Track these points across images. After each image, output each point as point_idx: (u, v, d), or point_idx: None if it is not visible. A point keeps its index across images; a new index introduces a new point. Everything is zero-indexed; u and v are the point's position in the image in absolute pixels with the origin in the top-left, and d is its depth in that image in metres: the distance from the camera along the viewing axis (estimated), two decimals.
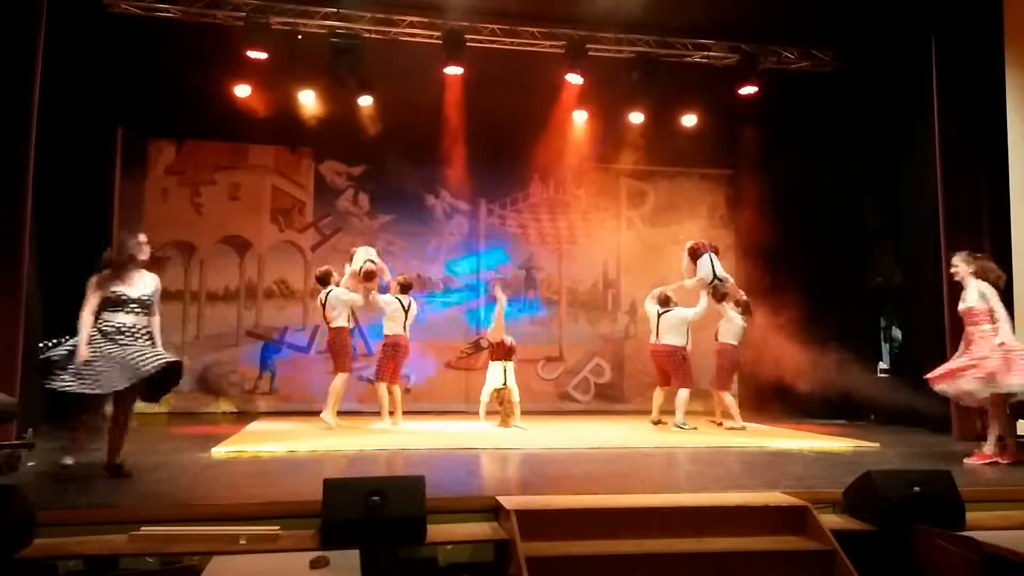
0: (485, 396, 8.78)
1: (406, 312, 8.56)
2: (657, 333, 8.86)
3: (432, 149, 10.53)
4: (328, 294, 8.51)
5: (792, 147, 10.82)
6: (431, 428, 8.56)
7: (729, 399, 8.84)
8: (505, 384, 8.63)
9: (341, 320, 8.48)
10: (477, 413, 8.85)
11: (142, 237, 5.38)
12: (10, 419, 5.88)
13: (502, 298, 9.12)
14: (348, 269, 8.66)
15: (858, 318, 10.44)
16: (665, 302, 8.91)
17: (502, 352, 8.77)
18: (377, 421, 8.44)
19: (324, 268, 8.83)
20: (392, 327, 8.49)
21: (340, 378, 8.41)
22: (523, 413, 8.77)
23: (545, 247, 12.02)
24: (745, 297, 9.21)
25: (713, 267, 8.72)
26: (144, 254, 5.33)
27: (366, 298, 8.48)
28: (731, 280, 8.97)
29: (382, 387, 8.40)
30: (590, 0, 9.21)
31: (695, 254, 8.88)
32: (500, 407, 8.69)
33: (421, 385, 11.31)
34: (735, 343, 8.93)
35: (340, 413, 8.77)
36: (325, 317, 8.57)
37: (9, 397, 5.68)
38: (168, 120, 10.62)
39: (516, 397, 8.69)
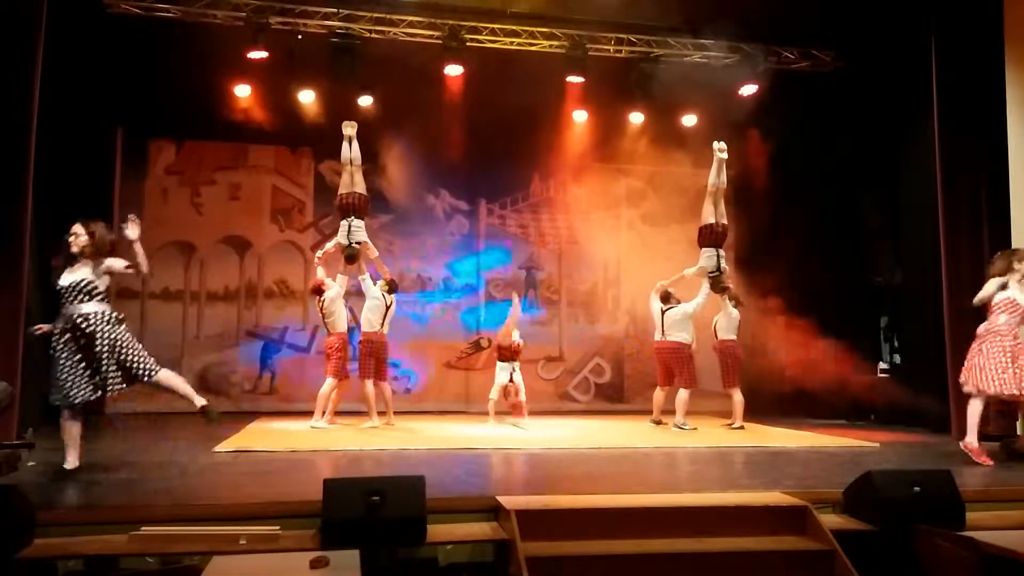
0: (494, 394, 8.87)
1: (387, 309, 8.55)
2: (663, 330, 8.85)
3: (432, 149, 10.53)
4: (324, 300, 8.53)
5: (792, 147, 10.82)
6: (431, 428, 8.57)
7: (738, 397, 8.81)
8: (512, 381, 8.78)
9: (341, 326, 8.49)
10: (478, 414, 8.85)
11: (75, 228, 5.25)
12: (10, 403, 5.86)
13: (517, 304, 9.19)
14: (339, 278, 8.64)
15: (858, 318, 10.44)
16: (666, 299, 8.92)
17: (509, 354, 8.92)
18: (365, 421, 8.43)
19: (314, 281, 8.80)
20: (371, 321, 8.45)
21: (328, 383, 8.40)
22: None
23: (545, 247, 12.03)
24: (732, 287, 9.21)
25: (718, 260, 8.73)
26: (73, 246, 5.19)
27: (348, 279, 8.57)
28: (727, 271, 9.00)
29: (368, 385, 8.35)
30: (590, 0, 9.21)
31: (703, 240, 8.85)
32: (507, 402, 8.83)
33: (421, 385, 11.31)
34: (734, 337, 8.94)
35: (341, 413, 8.77)
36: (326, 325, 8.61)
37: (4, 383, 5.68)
38: (168, 120, 10.63)
39: (523, 396, 8.82)
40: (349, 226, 8.54)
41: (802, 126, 10.67)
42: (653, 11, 9.20)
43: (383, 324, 8.49)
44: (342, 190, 8.75)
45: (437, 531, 4.09)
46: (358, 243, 8.49)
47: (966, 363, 6.32)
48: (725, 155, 8.88)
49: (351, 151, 8.71)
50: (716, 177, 8.87)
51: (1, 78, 6.45)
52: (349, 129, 8.76)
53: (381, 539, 3.92)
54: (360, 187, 8.71)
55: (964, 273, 8.00)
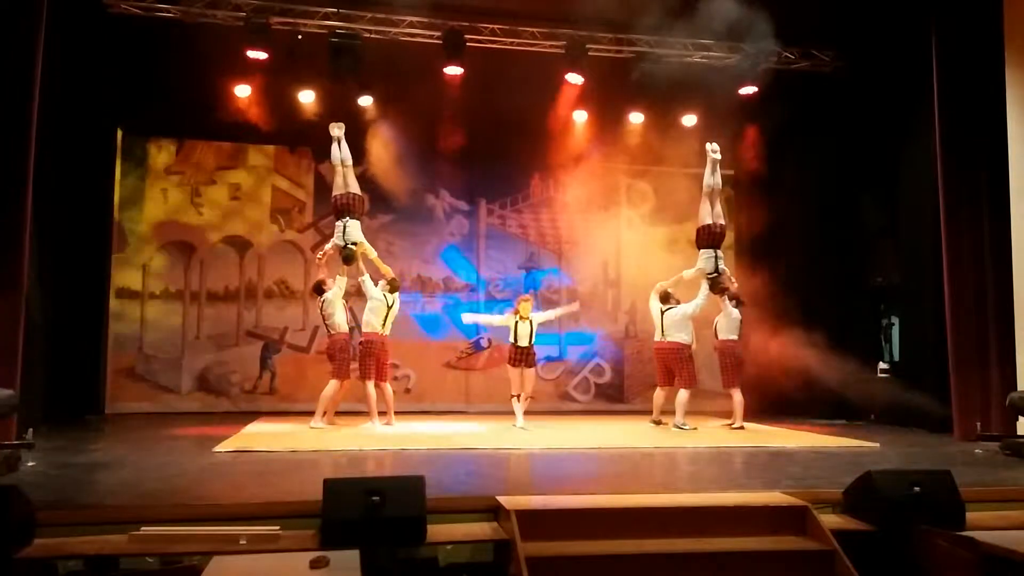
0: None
1: (388, 309, 8.53)
2: (662, 331, 8.85)
3: (432, 149, 10.51)
4: (323, 301, 8.52)
5: (792, 147, 10.83)
6: (431, 428, 8.56)
7: (738, 397, 8.79)
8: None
9: (342, 326, 8.48)
10: (478, 414, 8.83)
11: None
12: (11, 413, 5.86)
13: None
14: (338, 279, 8.63)
15: (858, 318, 10.44)
16: (666, 299, 8.92)
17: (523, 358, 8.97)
18: (366, 422, 8.41)
19: (318, 279, 8.80)
20: (372, 322, 8.43)
21: (331, 385, 8.38)
22: (523, 413, 8.83)
23: (545, 247, 12.02)
24: (736, 286, 9.21)
25: (716, 261, 8.74)
26: None
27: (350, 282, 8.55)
28: (727, 272, 9.01)
29: (369, 386, 8.34)
30: (590, 0, 9.21)
31: (700, 241, 8.86)
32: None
33: (421, 385, 11.31)
34: (736, 338, 8.93)
35: (341, 413, 8.77)
36: (326, 326, 8.58)
37: (8, 391, 5.67)
38: (168, 120, 10.62)
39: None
40: (344, 227, 8.55)
41: (802, 126, 10.67)
42: (652, 10, 9.18)
43: (384, 325, 8.47)
44: (336, 192, 8.79)
45: (437, 531, 4.09)
46: (354, 243, 8.48)
47: None
48: (718, 156, 8.91)
49: (341, 152, 8.75)
50: (711, 178, 8.90)
51: (1, 78, 6.45)
52: (336, 130, 8.77)
53: (381, 539, 3.92)
54: (353, 187, 8.74)
55: (964, 273, 8.00)
